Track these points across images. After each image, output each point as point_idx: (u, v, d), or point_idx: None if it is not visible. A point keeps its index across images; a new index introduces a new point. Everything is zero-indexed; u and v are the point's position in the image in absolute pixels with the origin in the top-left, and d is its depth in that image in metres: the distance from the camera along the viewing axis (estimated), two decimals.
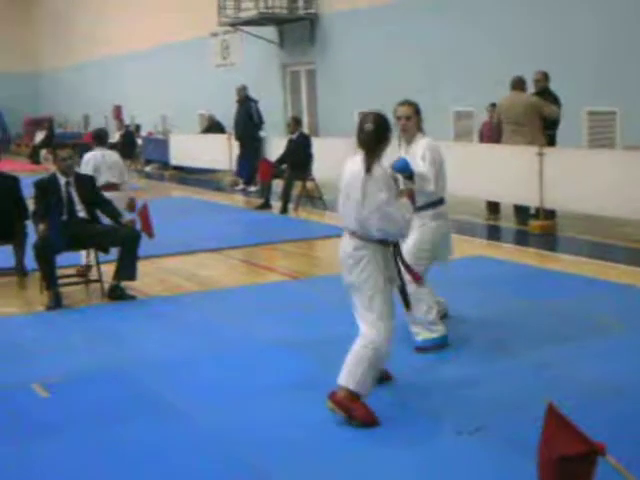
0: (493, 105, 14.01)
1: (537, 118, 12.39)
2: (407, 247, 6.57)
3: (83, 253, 9.56)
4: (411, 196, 5.82)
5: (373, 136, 5.38)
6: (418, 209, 6.42)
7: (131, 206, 9.91)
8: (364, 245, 5.44)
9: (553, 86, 12.89)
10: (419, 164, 6.56)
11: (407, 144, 6.85)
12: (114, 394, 6.05)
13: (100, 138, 10.91)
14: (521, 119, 12.41)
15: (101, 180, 10.00)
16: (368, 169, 5.32)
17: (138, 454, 5.02)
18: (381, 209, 5.27)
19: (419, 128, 6.88)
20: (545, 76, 12.89)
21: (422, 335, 6.72)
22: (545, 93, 12.75)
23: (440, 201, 6.88)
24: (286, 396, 5.88)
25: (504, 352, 6.55)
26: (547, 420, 3.33)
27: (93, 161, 10.37)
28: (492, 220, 13.25)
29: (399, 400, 5.69)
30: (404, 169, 6.23)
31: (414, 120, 6.82)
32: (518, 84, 12.82)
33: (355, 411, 5.25)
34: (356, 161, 5.42)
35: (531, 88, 12.94)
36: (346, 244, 5.56)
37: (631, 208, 10.55)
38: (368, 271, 5.42)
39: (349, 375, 5.33)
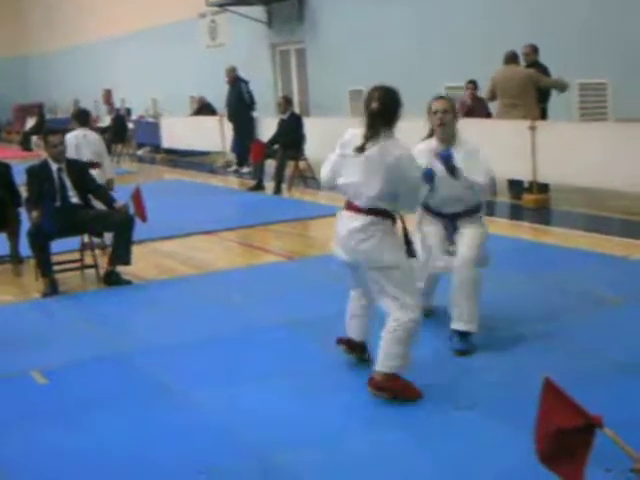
0: (471, 82, 14.00)
1: (533, 91, 12.39)
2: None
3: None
4: None
5: (378, 118, 5.25)
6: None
7: (109, 187, 10.23)
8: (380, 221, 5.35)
9: (542, 59, 12.87)
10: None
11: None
12: (113, 380, 6.06)
13: (80, 118, 11.06)
14: (517, 92, 12.41)
15: (83, 159, 10.07)
16: (362, 148, 5.26)
17: (139, 439, 5.04)
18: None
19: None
20: (534, 49, 12.86)
21: None
22: (535, 66, 12.73)
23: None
24: (286, 377, 5.89)
25: (500, 326, 6.56)
26: (544, 394, 3.35)
27: (74, 140, 10.41)
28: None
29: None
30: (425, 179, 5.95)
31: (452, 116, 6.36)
32: (512, 58, 12.81)
33: (399, 391, 5.30)
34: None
35: (520, 62, 12.93)
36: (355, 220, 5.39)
37: (623, 180, 10.56)
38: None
39: (383, 357, 5.32)
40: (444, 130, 6.34)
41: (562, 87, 12.50)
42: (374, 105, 5.24)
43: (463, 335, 6.16)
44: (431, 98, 6.50)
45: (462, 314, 6.13)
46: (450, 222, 6.43)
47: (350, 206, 5.45)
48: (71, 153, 9.71)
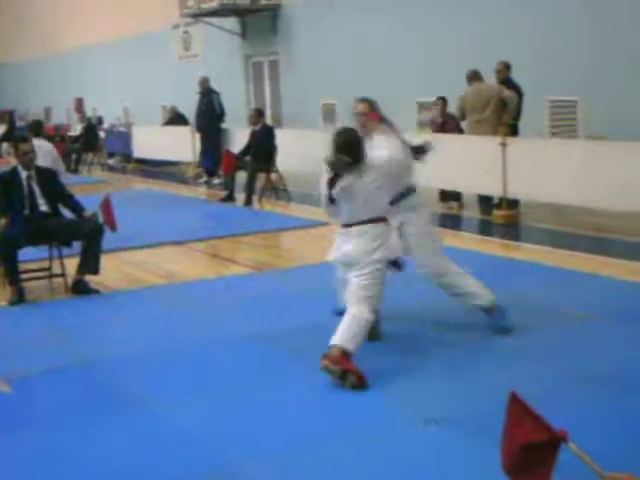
0: (440, 99, 14.10)
1: (501, 105, 12.51)
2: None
3: None
4: None
5: (348, 166, 6.06)
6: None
7: None
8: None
9: (514, 76, 12.97)
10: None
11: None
12: (79, 389, 6.01)
13: (34, 129, 11.41)
14: (485, 107, 12.52)
15: None
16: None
17: (103, 452, 4.99)
18: None
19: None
20: (506, 66, 12.97)
21: None
22: (506, 83, 12.83)
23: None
24: (254, 389, 5.88)
25: (468, 342, 6.58)
26: (510, 408, 3.36)
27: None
28: (449, 209, 13.34)
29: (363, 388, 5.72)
30: None
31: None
32: (475, 77, 12.95)
33: (350, 368, 5.70)
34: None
35: (492, 79, 13.03)
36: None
37: (593, 197, 10.63)
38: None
39: (342, 335, 5.81)
40: (366, 130, 6.82)
41: (514, 103, 12.61)
42: (345, 158, 6.06)
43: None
44: (354, 100, 7.18)
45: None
46: None
47: None
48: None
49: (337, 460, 4.68)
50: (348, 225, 6.15)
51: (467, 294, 6.92)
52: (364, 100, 7.16)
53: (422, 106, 17.16)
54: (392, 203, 6.62)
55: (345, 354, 5.75)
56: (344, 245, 6.14)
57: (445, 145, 13.04)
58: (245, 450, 4.86)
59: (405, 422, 5.15)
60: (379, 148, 6.66)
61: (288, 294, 8.24)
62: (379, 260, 6.09)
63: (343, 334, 5.83)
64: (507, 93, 12.54)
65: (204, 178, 19.08)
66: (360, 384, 5.68)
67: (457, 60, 15.17)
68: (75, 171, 22.49)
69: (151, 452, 4.90)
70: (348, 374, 5.69)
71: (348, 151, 6.06)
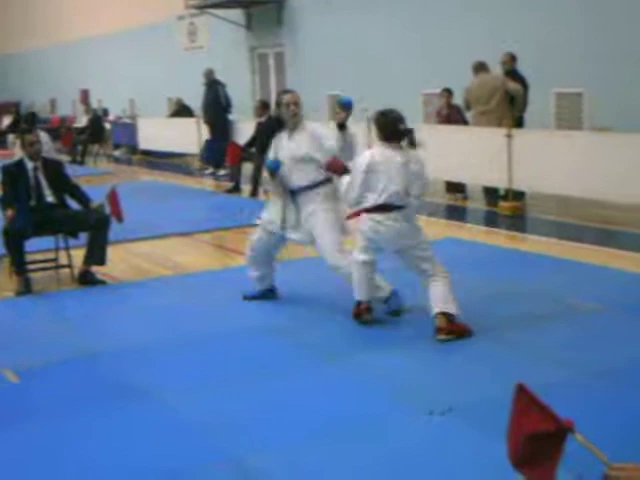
0: (446, 90, 14.09)
1: (505, 97, 12.50)
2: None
3: None
4: None
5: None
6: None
7: None
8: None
9: (520, 68, 12.95)
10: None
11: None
12: (85, 380, 6.03)
13: (30, 121, 11.66)
14: (490, 99, 12.52)
15: None
16: None
17: (108, 442, 5.01)
18: None
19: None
20: (512, 58, 12.96)
21: None
22: (512, 75, 12.81)
23: None
24: (261, 380, 5.89)
25: (476, 333, 6.58)
26: (516, 399, 3.36)
27: None
28: (455, 200, 13.34)
29: (367, 379, 5.73)
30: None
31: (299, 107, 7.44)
32: (481, 68, 12.94)
33: (461, 331, 6.47)
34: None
35: (497, 70, 13.01)
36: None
37: (599, 189, 10.62)
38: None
39: (445, 302, 6.45)
40: (295, 120, 7.42)
41: (520, 96, 12.60)
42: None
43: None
44: (281, 92, 7.80)
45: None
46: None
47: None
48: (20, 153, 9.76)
49: (343, 451, 4.69)
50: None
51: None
52: (292, 91, 7.73)
53: (427, 98, 17.16)
54: (311, 188, 7.28)
55: (450, 318, 6.40)
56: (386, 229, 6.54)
57: (450, 137, 13.08)
58: (252, 441, 4.87)
59: (410, 413, 5.16)
60: (326, 137, 7.24)
61: (294, 285, 8.23)
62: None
63: (440, 301, 6.45)
64: (512, 86, 12.53)
65: (210, 170, 19.09)
66: (470, 335, 6.46)
67: (463, 51, 15.14)
68: (81, 163, 22.51)
69: (157, 443, 4.91)
70: (464, 335, 6.43)
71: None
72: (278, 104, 7.53)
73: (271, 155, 7.51)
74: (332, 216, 7.27)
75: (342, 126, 6.97)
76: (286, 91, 7.80)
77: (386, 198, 6.53)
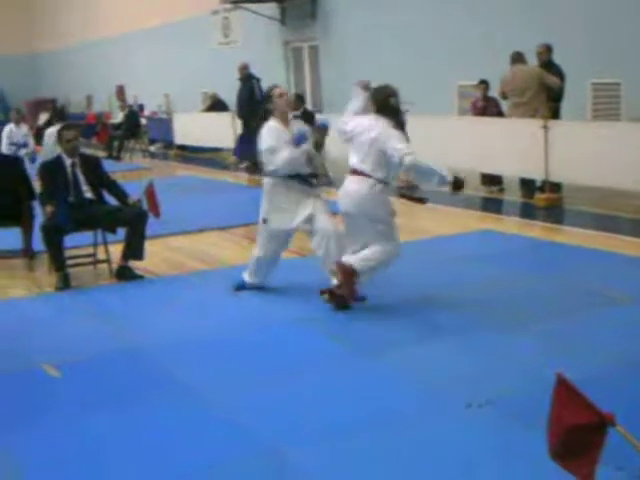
0: (483, 82, 14.03)
1: (541, 89, 12.42)
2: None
3: None
4: None
5: None
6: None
7: None
8: None
9: (556, 58, 12.86)
10: None
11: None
12: (125, 374, 6.08)
13: (60, 115, 11.75)
14: (525, 90, 12.46)
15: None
16: None
17: (150, 434, 5.07)
18: None
19: None
20: (548, 48, 12.86)
21: None
22: (548, 66, 12.73)
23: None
24: (297, 373, 5.91)
25: (513, 325, 6.57)
26: (557, 391, 3.36)
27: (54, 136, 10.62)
28: (491, 192, 13.29)
29: (405, 369, 5.73)
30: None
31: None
32: (518, 58, 12.87)
33: (348, 284, 7.00)
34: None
35: (534, 61, 12.93)
36: None
37: (635, 180, 10.54)
38: None
39: (359, 259, 6.99)
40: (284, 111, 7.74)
41: (558, 89, 12.52)
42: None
43: None
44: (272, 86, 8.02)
45: None
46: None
47: None
48: (49, 146, 9.92)
49: (378, 445, 4.70)
50: None
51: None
52: (278, 85, 8.10)
53: (463, 90, 17.09)
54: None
55: (353, 271, 6.96)
56: None
57: (486, 129, 13.04)
58: (289, 435, 4.90)
59: (447, 406, 5.17)
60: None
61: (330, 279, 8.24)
62: None
63: (361, 257, 7.06)
64: (551, 80, 12.43)
65: (245, 164, 19.12)
66: (347, 301, 7.11)
67: (499, 42, 15.05)
68: (117, 158, 22.64)
69: (194, 437, 4.95)
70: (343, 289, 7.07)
71: None
72: (269, 97, 7.80)
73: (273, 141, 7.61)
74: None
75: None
76: (274, 86, 8.09)
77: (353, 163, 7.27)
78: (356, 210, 7.10)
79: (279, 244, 7.92)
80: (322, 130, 7.83)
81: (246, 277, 8.14)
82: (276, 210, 7.70)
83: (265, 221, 7.81)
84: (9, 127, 17.98)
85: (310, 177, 7.69)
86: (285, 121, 7.71)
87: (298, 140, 7.57)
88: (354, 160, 7.22)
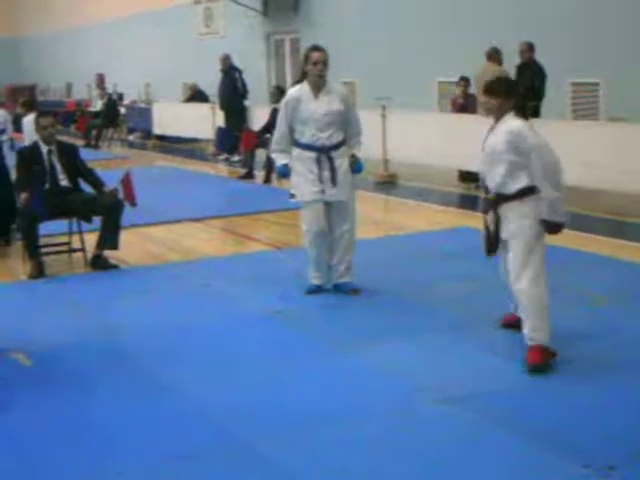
0: (463, 79, 14.05)
1: None
2: None
3: None
4: None
5: None
6: None
7: None
8: None
9: (538, 57, 12.90)
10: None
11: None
12: (97, 363, 6.06)
13: (30, 105, 12.25)
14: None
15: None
16: None
17: (120, 423, 5.05)
18: None
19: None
20: (530, 47, 12.91)
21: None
22: (530, 64, 12.77)
23: None
24: (270, 365, 5.91)
25: (487, 323, 6.57)
26: None
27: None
28: (469, 189, 13.32)
29: (379, 364, 5.74)
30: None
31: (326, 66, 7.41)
32: (492, 55, 12.88)
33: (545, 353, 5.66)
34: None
35: (516, 59, 12.97)
36: None
37: (613, 180, 10.59)
38: None
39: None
40: (322, 80, 7.36)
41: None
42: None
43: None
44: (308, 49, 7.53)
45: None
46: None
47: None
48: (29, 133, 9.92)
49: (351, 437, 4.71)
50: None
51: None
52: (321, 49, 7.51)
53: (443, 86, 17.12)
54: (342, 145, 7.44)
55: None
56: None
57: (465, 126, 13.05)
58: (263, 427, 4.90)
59: (419, 402, 5.17)
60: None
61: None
62: None
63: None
64: None
65: (224, 155, 19.10)
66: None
67: (481, 39, 15.08)
68: (95, 147, 22.55)
69: (170, 428, 4.94)
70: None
71: None
72: (306, 59, 7.42)
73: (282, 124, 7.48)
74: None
75: None
76: (315, 48, 7.54)
77: None
78: None
79: (319, 218, 7.49)
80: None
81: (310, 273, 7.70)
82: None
83: (292, 196, 7.64)
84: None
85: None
86: (316, 88, 7.37)
87: (357, 170, 7.55)
88: None
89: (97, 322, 7.08)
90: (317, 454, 4.54)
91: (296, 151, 7.46)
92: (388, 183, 14.23)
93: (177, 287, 8.12)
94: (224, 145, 19.00)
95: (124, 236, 9.10)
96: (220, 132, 19.09)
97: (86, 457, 4.63)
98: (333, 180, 7.35)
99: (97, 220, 8.95)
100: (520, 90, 5.94)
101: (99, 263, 8.86)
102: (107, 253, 8.91)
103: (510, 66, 13.07)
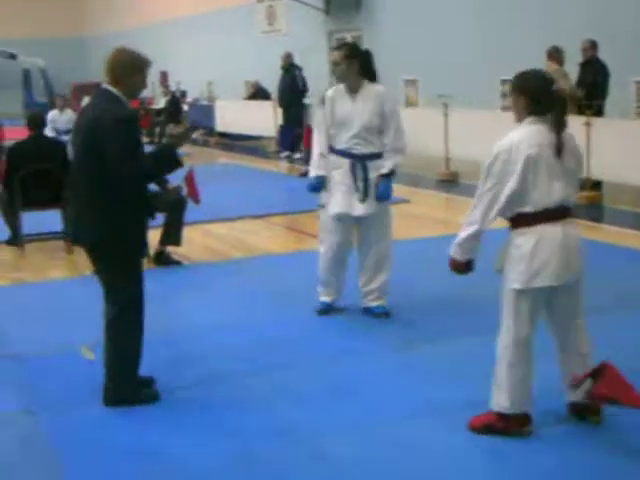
0: None
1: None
2: None
3: None
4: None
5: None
6: None
7: None
8: None
9: (601, 55, 12.76)
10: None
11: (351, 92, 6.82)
12: (159, 356, 6.12)
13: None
14: None
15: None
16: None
17: (190, 412, 5.20)
18: None
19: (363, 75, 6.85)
20: (593, 45, 12.76)
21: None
22: (592, 62, 12.63)
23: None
24: (330, 363, 5.95)
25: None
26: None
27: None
28: None
29: (446, 367, 5.74)
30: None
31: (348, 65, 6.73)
32: (552, 54, 12.75)
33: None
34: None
35: (579, 57, 12.84)
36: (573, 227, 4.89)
37: None
38: None
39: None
40: (339, 81, 6.86)
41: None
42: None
43: None
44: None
45: None
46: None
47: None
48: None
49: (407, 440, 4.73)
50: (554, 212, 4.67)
51: None
52: (342, 46, 6.99)
53: (506, 84, 16.99)
54: (378, 156, 6.78)
55: None
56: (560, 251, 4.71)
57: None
58: (322, 424, 4.93)
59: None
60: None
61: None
62: None
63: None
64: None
65: (286, 153, 19.17)
66: None
67: (543, 37, 14.95)
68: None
69: (228, 424, 5.01)
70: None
71: None
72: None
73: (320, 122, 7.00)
74: None
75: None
76: (337, 46, 7.10)
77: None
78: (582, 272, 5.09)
79: (342, 235, 6.97)
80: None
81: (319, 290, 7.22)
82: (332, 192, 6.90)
83: (321, 206, 7.06)
84: (53, 113, 18.12)
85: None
86: (351, 89, 6.80)
87: (380, 196, 6.78)
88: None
89: (159, 318, 7.09)
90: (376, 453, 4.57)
91: (331, 158, 6.90)
92: (450, 181, 14.20)
93: (239, 284, 8.20)
94: (286, 142, 19.07)
95: (187, 233, 9.20)
96: (282, 129, 19.17)
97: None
98: (365, 192, 6.75)
99: (160, 216, 9.04)
100: (544, 90, 4.64)
101: (162, 259, 8.97)
102: (170, 249, 9.01)
103: (573, 64, 12.94)
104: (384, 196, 6.78)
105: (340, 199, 6.81)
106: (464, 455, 4.55)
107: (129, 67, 5.23)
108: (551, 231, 4.60)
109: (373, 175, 6.76)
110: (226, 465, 4.53)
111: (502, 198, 4.57)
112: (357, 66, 6.74)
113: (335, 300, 7.13)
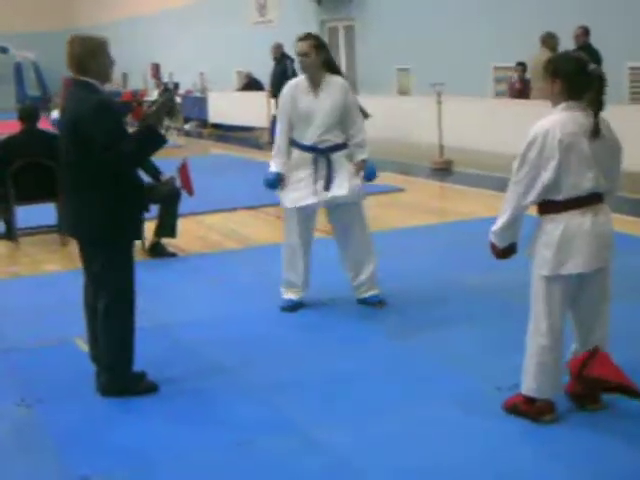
0: (520, 64, 13.99)
1: None
2: None
3: None
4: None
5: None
6: None
7: None
8: None
9: (593, 41, 12.74)
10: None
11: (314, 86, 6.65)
12: (152, 348, 6.09)
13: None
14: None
15: None
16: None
17: (182, 412, 5.15)
18: None
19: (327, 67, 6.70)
20: (585, 31, 12.77)
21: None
22: (585, 48, 12.61)
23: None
24: (325, 353, 5.94)
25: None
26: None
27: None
28: None
29: (440, 356, 5.74)
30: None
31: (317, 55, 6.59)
32: (546, 40, 12.79)
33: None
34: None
35: (571, 44, 12.82)
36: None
37: None
38: None
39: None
40: (306, 73, 6.67)
41: None
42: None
43: None
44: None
45: None
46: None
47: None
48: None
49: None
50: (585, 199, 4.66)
51: None
52: (306, 37, 6.79)
53: (500, 72, 16.99)
54: (340, 148, 6.73)
55: None
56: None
57: (522, 110, 12.94)
58: (317, 414, 4.92)
59: (480, 388, 5.17)
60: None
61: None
62: None
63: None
64: None
65: None
66: None
67: (536, 23, 14.93)
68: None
69: (227, 414, 5.01)
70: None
71: None
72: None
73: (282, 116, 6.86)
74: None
75: None
76: (301, 37, 6.84)
77: None
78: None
79: (301, 228, 6.94)
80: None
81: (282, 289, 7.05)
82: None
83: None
84: (54, 113, 18.04)
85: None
86: (313, 82, 6.68)
87: (368, 177, 6.80)
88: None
89: (154, 309, 7.12)
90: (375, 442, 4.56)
91: (295, 154, 6.85)
92: (443, 170, 14.18)
93: (234, 275, 8.19)
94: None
95: (181, 224, 9.18)
96: (274, 120, 19.12)
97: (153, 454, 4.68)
98: (329, 180, 6.66)
99: (154, 208, 9.01)
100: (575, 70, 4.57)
101: (157, 251, 8.96)
102: (164, 241, 9.00)
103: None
104: (372, 175, 6.83)
105: (303, 192, 6.78)
106: (461, 442, 4.54)
107: (89, 53, 5.20)
108: (580, 218, 4.57)
109: (337, 166, 6.68)
110: (222, 456, 4.52)
111: (538, 184, 4.56)
112: (323, 57, 6.65)
113: (303, 297, 7.00)
